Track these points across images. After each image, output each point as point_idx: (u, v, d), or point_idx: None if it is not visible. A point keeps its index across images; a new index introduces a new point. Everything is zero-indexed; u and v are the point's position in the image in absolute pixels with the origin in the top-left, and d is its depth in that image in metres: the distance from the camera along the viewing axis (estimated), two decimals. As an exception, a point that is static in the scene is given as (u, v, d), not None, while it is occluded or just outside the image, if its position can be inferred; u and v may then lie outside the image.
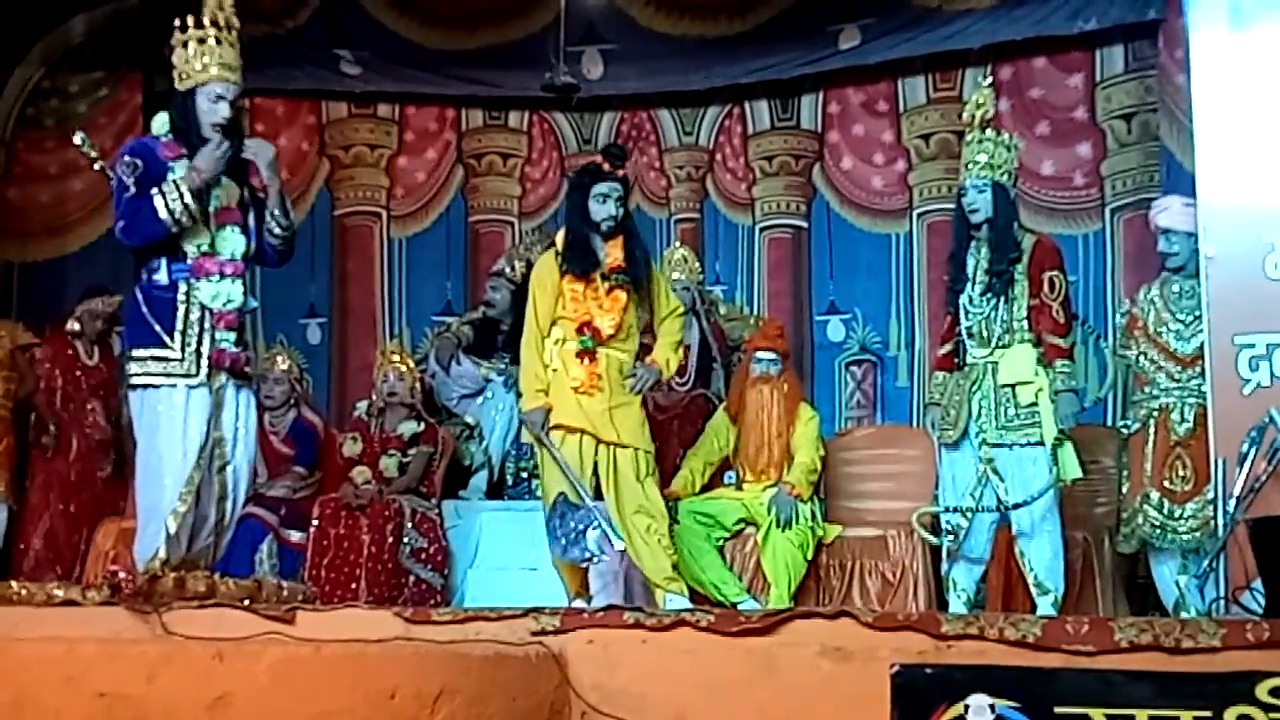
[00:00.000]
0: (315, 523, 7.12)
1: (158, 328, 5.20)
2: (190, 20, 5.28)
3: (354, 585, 6.98)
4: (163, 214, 5.10)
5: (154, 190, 5.10)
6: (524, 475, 8.06)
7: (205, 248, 5.23)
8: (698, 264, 8.29)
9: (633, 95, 9.01)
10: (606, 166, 6.09)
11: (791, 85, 8.81)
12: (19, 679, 3.68)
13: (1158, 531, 6.05)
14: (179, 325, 5.20)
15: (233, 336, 5.25)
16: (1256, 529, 4.72)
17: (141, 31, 8.67)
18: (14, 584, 5.03)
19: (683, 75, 8.82)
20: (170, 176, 5.14)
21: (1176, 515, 5.99)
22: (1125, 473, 6.31)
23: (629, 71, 8.81)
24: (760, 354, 7.06)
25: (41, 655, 3.77)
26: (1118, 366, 7.71)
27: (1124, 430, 6.38)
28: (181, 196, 5.09)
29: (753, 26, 8.53)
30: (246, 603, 4.80)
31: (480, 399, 8.12)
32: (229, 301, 5.23)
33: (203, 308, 5.21)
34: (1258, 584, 4.65)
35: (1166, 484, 6.04)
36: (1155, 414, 6.14)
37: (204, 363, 5.20)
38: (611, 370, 6.01)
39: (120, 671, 3.64)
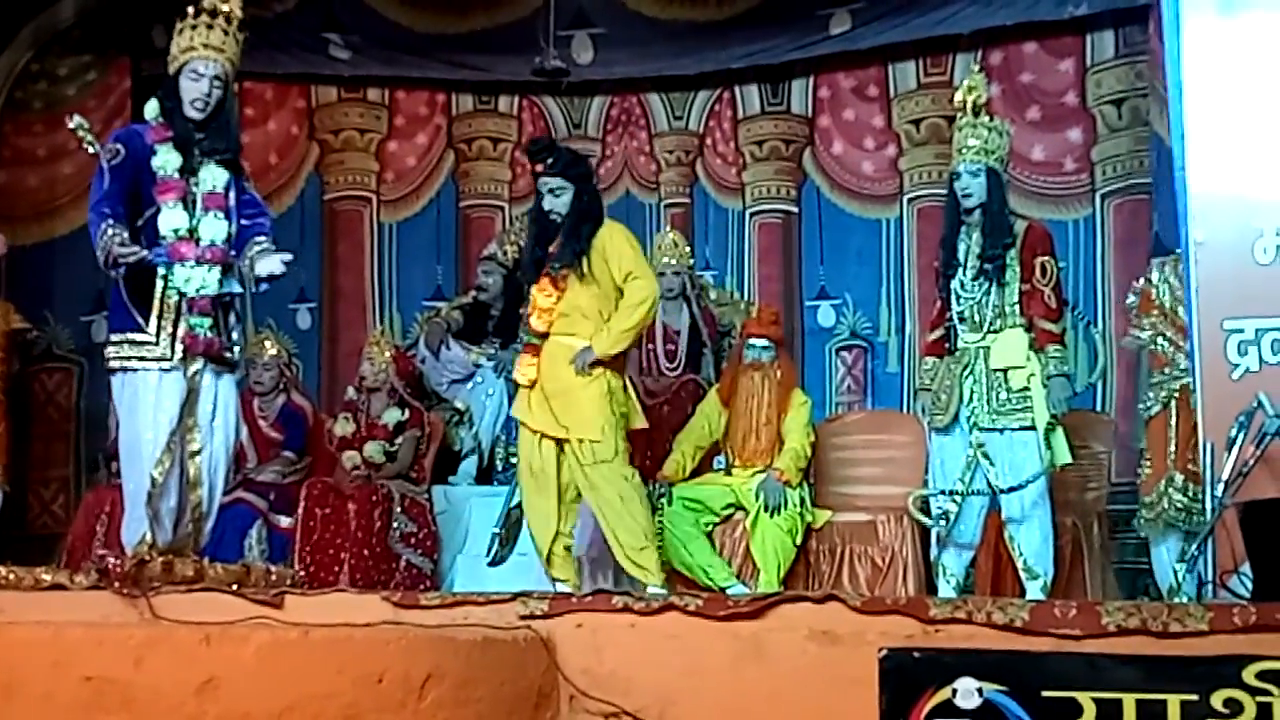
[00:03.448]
0: (303, 504, 7.14)
1: (135, 311, 5.22)
2: (190, 9, 5.30)
3: (337, 568, 7.00)
4: (95, 249, 5.15)
5: (107, 225, 5.11)
6: (513, 460, 8.05)
7: (183, 232, 5.23)
8: (688, 249, 8.28)
9: (622, 80, 9.00)
10: (536, 167, 6.18)
11: (782, 70, 8.80)
12: (7, 663, 3.68)
13: (1183, 515, 6.06)
14: (155, 309, 5.21)
15: (206, 322, 5.23)
16: (1246, 513, 4.72)
17: (130, 15, 8.66)
18: (1, 568, 5.03)
19: (673, 60, 8.81)
20: (116, 237, 5.11)
21: (1200, 497, 5.97)
22: (1144, 456, 6.32)
23: (619, 56, 8.79)
24: (753, 340, 7.05)
25: (29, 639, 3.77)
26: (1108, 351, 7.73)
27: (1144, 412, 6.40)
28: (103, 244, 5.11)
29: (743, 11, 8.52)
30: (235, 587, 4.80)
31: (470, 384, 8.11)
32: (203, 287, 5.22)
33: (178, 293, 5.22)
34: (1245, 568, 4.66)
35: (1190, 465, 6.04)
36: (1176, 395, 6.15)
37: (178, 347, 5.21)
38: (558, 359, 6.03)
39: (108, 655, 3.64)
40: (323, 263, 9.08)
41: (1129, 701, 3.62)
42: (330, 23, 8.79)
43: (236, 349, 5.43)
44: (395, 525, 7.17)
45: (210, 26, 5.30)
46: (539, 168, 6.15)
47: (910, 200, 8.51)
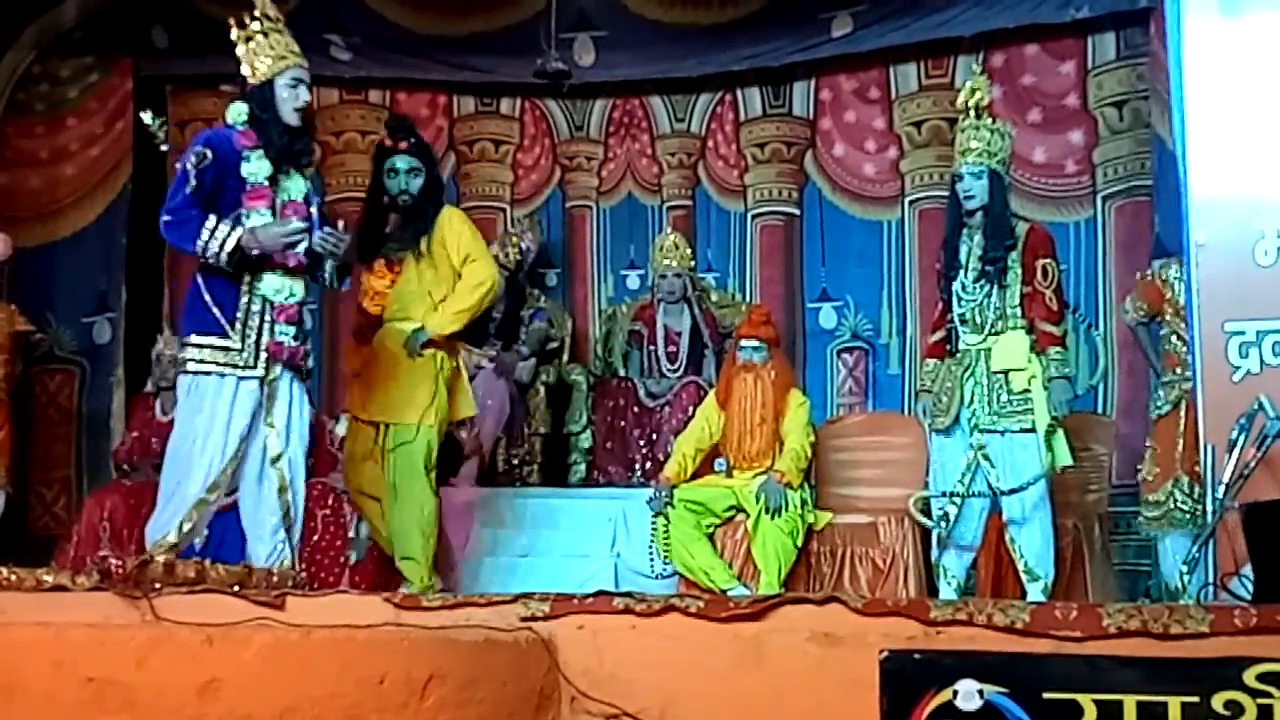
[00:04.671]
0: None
1: (219, 316, 5.20)
2: (245, 17, 5.30)
3: (338, 570, 7.00)
4: (198, 243, 5.11)
5: (210, 218, 5.10)
6: (514, 462, 8.07)
7: None
8: (689, 251, 8.31)
9: (624, 82, 9.01)
10: (388, 142, 6.23)
11: (783, 72, 8.81)
12: (8, 664, 3.68)
13: (1188, 516, 6.06)
14: (240, 315, 5.21)
15: (292, 330, 5.25)
16: (1250, 515, 4.72)
17: (132, 17, 8.67)
18: (3, 569, 5.02)
19: (675, 62, 8.81)
20: (242, 221, 5.13)
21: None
22: (1151, 453, 6.33)
23: (621, 58, 8.80)
24: (744, 342, 7.06)
25: (31, 640, 3.77)
26: (1109, 353, 7.73)
27: (1153, 411, 6.40)
28: (224, 246, 5.09)
29: (745, 14, 8.53)
30: (236, 588, 4.80)
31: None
32: (291, 295, 5.23)
33: (264, 300, 5.22)
34: (1246, 570, 4.66)
35: (1198, 467, 6.05)
36: (1186, 396, 6.15)
37: (261, 355, 5.21)
38: (394, 346, 6.12)
39: (109, 656, 3.64)
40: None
41: (1130, 703, 3.62)
42: (331, 24, 8.77)
43: (308, 350, 5.45)
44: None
45: (280, 32, 5.32)
46: (403, 144, 6.18)
47: (911, 202, 8.52)
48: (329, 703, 3.63)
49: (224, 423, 5.17)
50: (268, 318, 5.22)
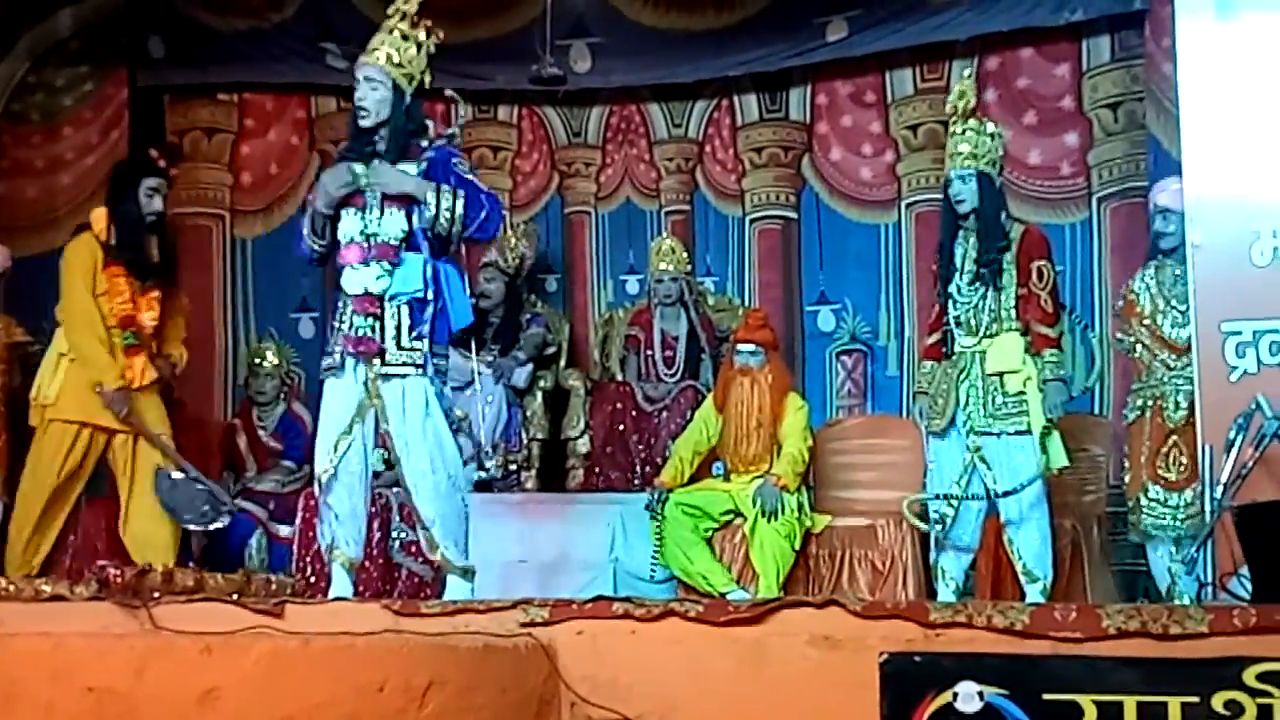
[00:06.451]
0: (301, 513, 7.12)
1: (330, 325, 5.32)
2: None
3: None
4: (304, 245, 5.27)
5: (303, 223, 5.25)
6: (513, 468, 8.06)
7: (353, 237, 5.22)
8: (685, 255, 8.29)
9: (621, 88, 9.00)
10: (162, 162, 6.35)
11: (779, 77, 8.80)
12: (8, 673, 3.69)
13: (1156, 521, 6.07)
14: (334, 320, 5.28)
15: (368, 322, 5.17)
16: (1243, 516, 4.74)
17: (128, 27, 8.67)
18: (2, 579, 5.03)
19: (671, 68, 8.80)
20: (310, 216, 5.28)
21: (1173, 503, 6.00)
22: (1127, 463, 6.34)
23: (617, 65, 8.79)
24: (741, 346, 7.07)
25: (30, 650, 3.78)
26: (1105, 354, 7.74)
27: (1125, 419, 6.41)
28: (312, 227, 5.21)
29: (740, 19, 8.52)
30: (235, 597, 4.81)
31: (469, 391, 8.10)
32: (364, 288, 5.18)
33: (345, 296, 5.25)
34: (1245, 570, 4.67)
35: (1161, 472, 6.06)
36: (1151, 403, 6.16)
37: (340, 352, 5.23)
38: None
39: (109, 666, 3.65)
40: (325, 271, 9.04)
41: (1130, 704, 3.63)
42: (327, 33, 8.76)
43: (419, 345, 5.24)
44: (395, 534, 7.16)
45: (377, 31, 5.39)
46: (172, 170, 6.46)
47: (908, 205, 8.51)
48: (328, 710, 3.64)
49: (323, 423, 5.27)
50: (349, 313, 5.22)
